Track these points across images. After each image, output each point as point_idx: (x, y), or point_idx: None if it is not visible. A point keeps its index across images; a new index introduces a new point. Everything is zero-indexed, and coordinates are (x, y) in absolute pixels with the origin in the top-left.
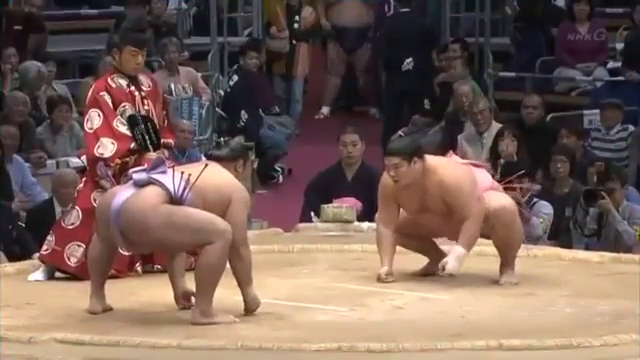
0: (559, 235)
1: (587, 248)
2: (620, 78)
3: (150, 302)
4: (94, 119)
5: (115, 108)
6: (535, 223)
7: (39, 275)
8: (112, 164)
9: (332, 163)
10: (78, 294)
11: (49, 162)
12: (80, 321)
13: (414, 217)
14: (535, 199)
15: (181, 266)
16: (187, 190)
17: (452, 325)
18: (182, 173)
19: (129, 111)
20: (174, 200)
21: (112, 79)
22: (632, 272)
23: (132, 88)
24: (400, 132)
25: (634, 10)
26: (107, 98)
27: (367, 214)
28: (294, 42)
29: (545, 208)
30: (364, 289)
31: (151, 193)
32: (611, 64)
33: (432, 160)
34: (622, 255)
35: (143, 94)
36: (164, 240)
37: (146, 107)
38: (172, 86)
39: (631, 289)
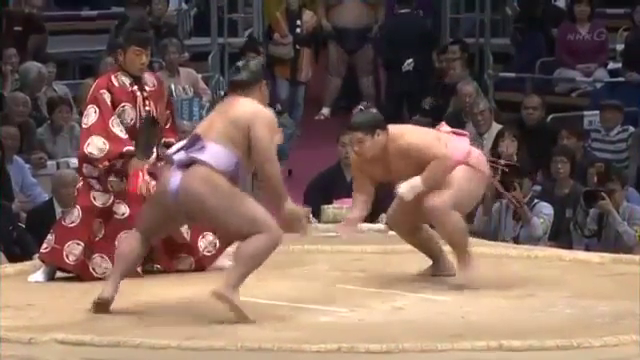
0: (559, 236)
1: (587, 249)
2: (620, 79)
3: (150, 302)
4: (90, 116)
5: (114, 107)
6: (536, 224)
7: (39, 276)
8: (100, 165)
9: (333, 164)
10: (79, 295)
11: (49, 163)
12: (80, 322)
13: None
14: (535, 200)
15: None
16: (232, 162)
17: (452, 326)
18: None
19: (129, 111)
20: (225, 174)
21: (116, 77)
22: (632, 273)
23: (135, 88)
24: (360, 106)
25: (634, 11)
26: (107, 97)
27: (367, 215)
28: (297, 47)
29: (545, 209)
30: (364, 290)
31: (202, 174)
32: (611, 65)
33: (397, 128)
34: (622, 256)
35: (145, 94)
36: (221, 222)
37: (147, 107)
38: (172, 87)
39: (631, 290)
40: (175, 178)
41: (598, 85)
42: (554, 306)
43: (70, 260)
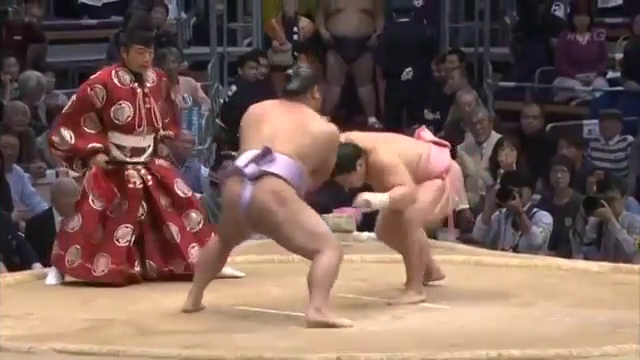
0: (559, 245)
1: (586, 258)
2: (619, 88)
3: (149, 311)
4: (70, 104)
5: (110, 104)
6: (535, 233)
7: (52, 279)
8: (61, 154)
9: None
10: (78, 304)
11: (49, 172)
12: (80, 331)
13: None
14: (535, 209)
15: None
16: (299, 173)
17: (452, 335)
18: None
19: (126, 109)
20: (294, 187)
21: (117, 72)
22: (631, 282)
23: (135, 84)
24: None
25: (633, 20)
26: (99, 92)
27: (366, 224)
28: (295, 54)
29: (545, 218)
30: (364, 299)
31: (273, 186)
32: (610, 74)
33: (368, 142)
34: (622, 265)
35: (146, 90)
36: (286, 236)
37: (147, 105)
38: (172, 96)
39: (630, 299)
40: (246, 192)
41: (597, 94)
42: (553, 315)
43: (70, 265)
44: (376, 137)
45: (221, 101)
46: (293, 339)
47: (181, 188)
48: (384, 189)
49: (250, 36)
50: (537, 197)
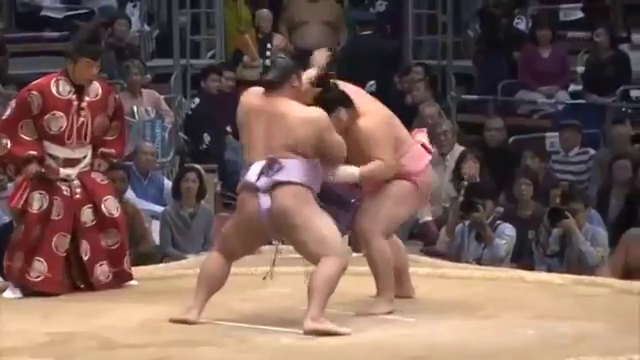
0: (522, 257)
1: (549, 270)
2: (582, 101)
3: (112, 325)
4: (10, 110)
5: (44, 113)
6: (498, 245)
7: (9, 292)
8: None
9: None
10: (40, 318)
11: (9, 185)
12: (43, 345)
13: None
14: (498, 221)
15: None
16: (310, 169)
17: (415, 347)
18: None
19: (59, 119)
20: (309, 186)
21: (57, 81)
22: (594, 294)
23: (73, 96)
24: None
25: (594, 34)
26: (35, 98)
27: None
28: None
29: (508, 230)
30: (328, 311)
31: (293, 191)
32: (572, 87)
33: (365, 107)
34: (584, 277)
35: (83, 104)
36: (299, 241)
37: (82, 118)
38: (135, 108)
39: (593, 311)
40: (265, 199)
41: (560, 107)
42: (517, 327)
43: (14, 273)
44: (377, 107)
45: (184, 114)
46: (257, 352)
47: (108, 207)
48: (362, 157)
49: (213, 48)
50: (500, 209)
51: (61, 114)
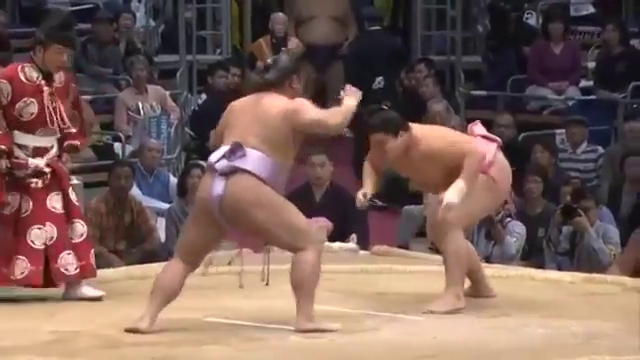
0: (531, 255)
1: (559, 268)
2: (592, 97)
3: (116, 323)
4: None
5: (15, 101)
6: (509, 243)
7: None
8: None
9: (300, 184)
10: (43, 316)
11: None
12: (45, 344)
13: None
14: (508, 219)
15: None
16: (272, 167)
17: (425, 346)
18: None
19: (32, 106)
20: (267, 182)
21: (23, 68)
22: (604, 293)
23: (42, 82)
24: (383, 105)
25: (605, 29)
26: (4, 88)
27: (337, 234)
28: None
29: (518, 227)
30: (335, 310)
31: (247, 182)
32: (583, 83)
33: (416, 130)
34: (594, 275)
35: (52, 90)
36: (264, 231)
37: (54, 104)
38: (140, 104)
39: (603, 310)
40: (218, 185)
41: (570, 103)
42: (527, 326)
43: None
44: (421, 128)
45: (190, 110)
46: (264, 351)
47: (73, 197)
48: (445, 167)
49: (220, 44)
50: (512, 207)
51: (32, 100)
